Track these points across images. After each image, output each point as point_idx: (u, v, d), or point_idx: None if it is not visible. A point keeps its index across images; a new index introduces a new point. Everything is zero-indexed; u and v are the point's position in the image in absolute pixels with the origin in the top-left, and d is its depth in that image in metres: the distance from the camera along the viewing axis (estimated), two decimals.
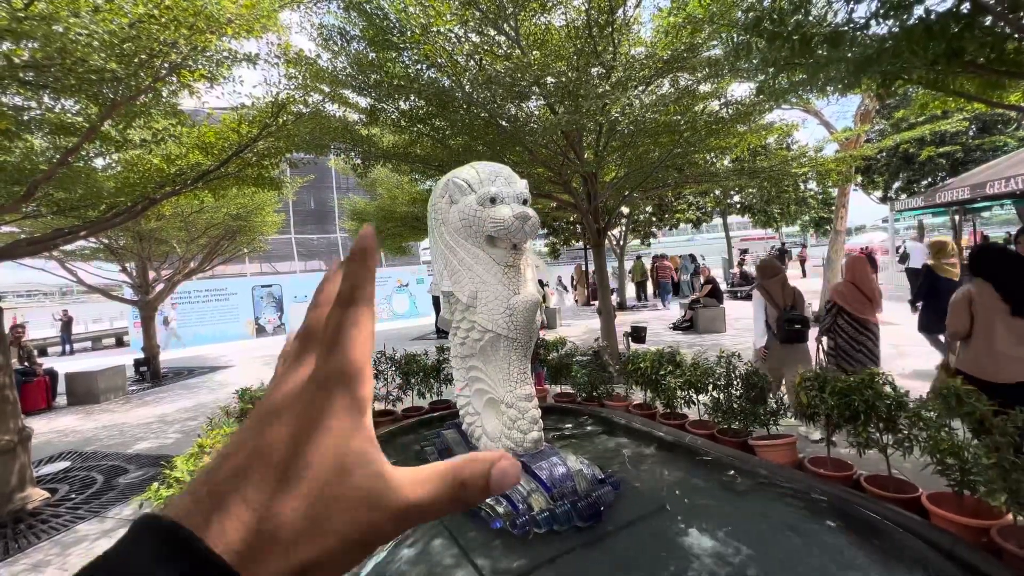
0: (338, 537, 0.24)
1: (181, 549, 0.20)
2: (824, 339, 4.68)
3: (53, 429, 7.04)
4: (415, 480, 0.27)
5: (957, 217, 16.26)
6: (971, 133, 18.38)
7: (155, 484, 2.35)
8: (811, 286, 17.58)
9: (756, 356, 4.85)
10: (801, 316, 4.61)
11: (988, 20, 2.33)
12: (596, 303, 12.09)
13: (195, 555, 0.20)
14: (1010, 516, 2.49)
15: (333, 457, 0.25)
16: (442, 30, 5.28)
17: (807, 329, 4.67)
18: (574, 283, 19.39)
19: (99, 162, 6.13)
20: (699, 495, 3.33)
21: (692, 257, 19.52)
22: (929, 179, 18.91)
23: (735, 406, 3.91)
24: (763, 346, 4.74)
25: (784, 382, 4.50)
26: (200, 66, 4.15)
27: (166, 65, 3.84)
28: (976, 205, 15.38)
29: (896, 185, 20.18)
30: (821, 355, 4.68)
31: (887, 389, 3.07)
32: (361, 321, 0.28)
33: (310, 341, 0.31)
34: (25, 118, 4.27)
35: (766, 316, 4.75)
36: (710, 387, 4.17)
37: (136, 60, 3.52)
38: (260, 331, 17.77)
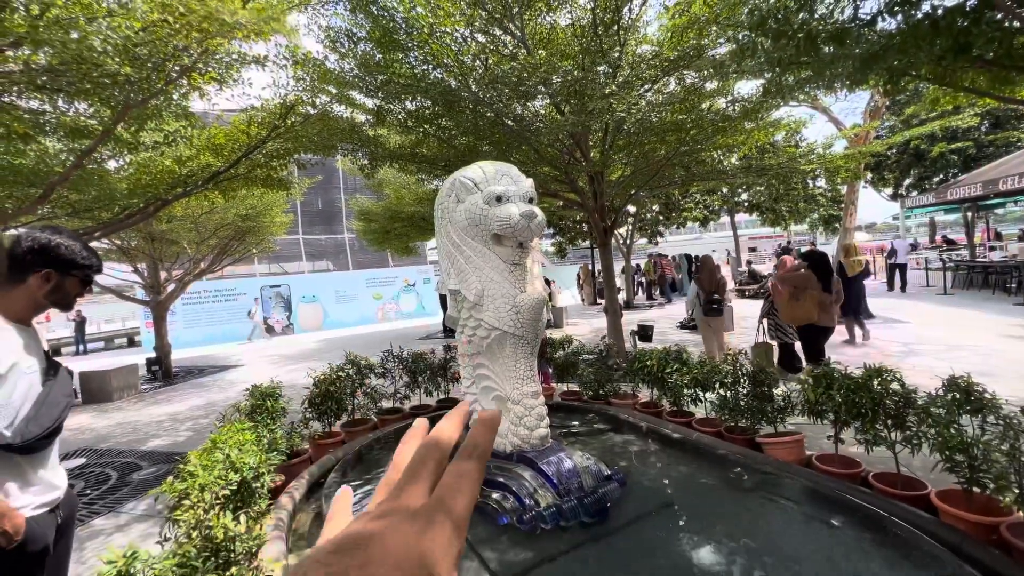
0: None
1: None
2: (765, 320, 6.38)
3: (68, 426, 7.15)
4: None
5: (970, 214, 16.09)
6: (983, 129, 18.12)
7: (170, 478, 2.40)
8: None
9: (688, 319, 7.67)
10: (718, 298, 6.59)
11: (996, 15, 2.32)
12: (603, 302, 12.08)
13: None
14: (1020, 513, 2.47)
15: None
16: (448, 30, 5.31)
17: (722, 307, 6.64)
18: (580, 282, 19.36)
19: (112, 164, 6.24)
20: (706, 492, 3.34)
21: (688, 257, 19.46)
22: (941, 176, 18.67)
23: (742, 403, 3.90)
24: (690, 314, 7.21)
25: (713, 341, 6.79)
26: (210, 69, 4.21)
27: (177, 68, 3.91)
28: (989, 202, 15.23)
29: (907, 182, 19.94)
30: (763, 333, 6.38)
31: (895, 386, 3.05)
32: (476, 476, 0.34)
33: (415, 478, 0.34)
34: (41, 121, 4.37)
35: (697, 296, 6.83)
36: (717, 385, 4.17)
37: (149, 64, 3.59)
38: (269, 331, 17.93)
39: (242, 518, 2.22)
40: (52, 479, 1.77)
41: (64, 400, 1.74)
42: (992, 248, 17.52)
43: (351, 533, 0.29)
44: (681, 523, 2.93)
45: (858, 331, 7.94)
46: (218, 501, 2.24)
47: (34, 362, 1.67)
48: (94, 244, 8.84)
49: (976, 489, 2.58)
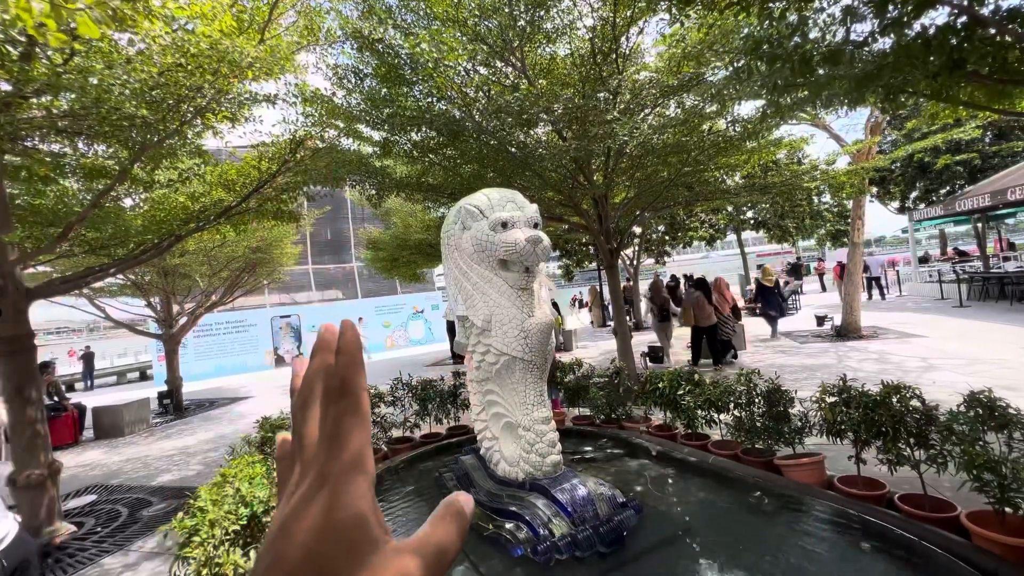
0: None
1: None
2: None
3: (80, 463, 7.16)
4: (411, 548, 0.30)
5: (980, 225, 15.93)
6: (987, 140, 18.12)
7: (179, 514, 2.38)
8: (831, 299, 17.23)
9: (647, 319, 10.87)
10: (665, 309, 9.64)
11: (988, 31, 2.35)
12: (611, 324, 12.06)
13: None
14: None
15: (354, 555, 0.28)
16: (452, 64, 5.48)
17: (669, 316, 9.66)
18: (588, 305, 19.31)
19: (127, 202, 6.41)
20: (724, 518, 3.24)
21: (672, 277, 19.56)
22: (947, 187, 18.58)
23: (758, 424, 3.82)
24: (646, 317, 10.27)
25: (665, 338, 9.67)
26: (223, 108, 4.37)
27: (192, 109, 4.05)
28: (999, 212, 15.09)
29: (913, 195, 19.86)
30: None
31: (915, 403, 2.98)
32: (355, 411, 0.31)
33: (302, 441, 0.32)
34: (61, 163, 4.53)
35: (652, 308, 10.11)
36: (731, 406, 4.09)
37: (164, 106, 3.73)
38: (279, 361, 17.98)
39: (252, 554, 2.19)
40: None
41: None
42: (1007, 258, 17.27)
43: (267, 542, 0.29)
44: (700, 551, 2.84)
45: (769, 328, 11.02)
46: (228, 537, 2.21)
47: None
48: (109, 279, 9.03)
49: (1008, 509, 2.48)
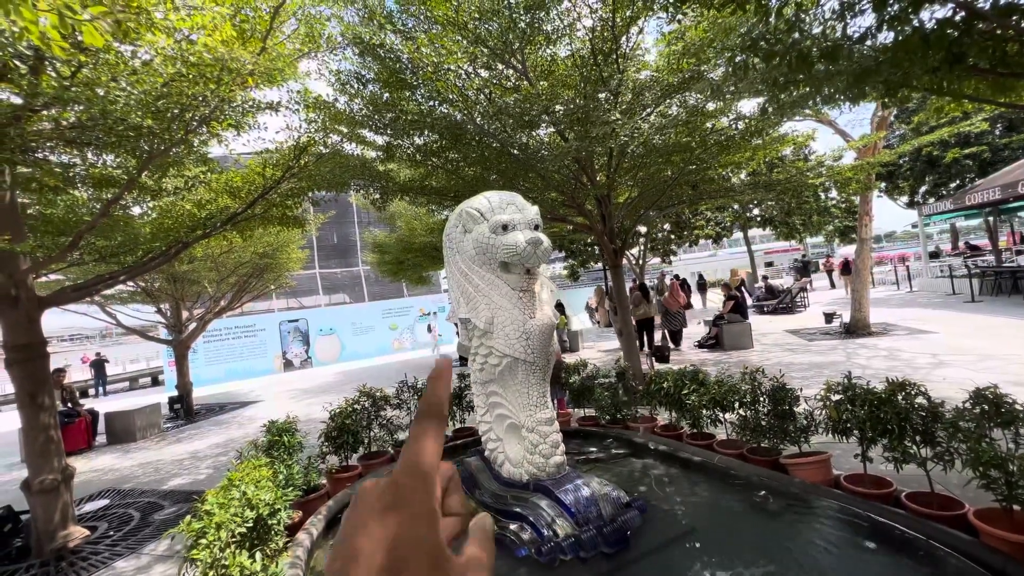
0: None
1: None
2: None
3: (93, 468, 7.27)
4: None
5: (992, 219, 15.71)
6: (997, 133, 17.87)
7: (188, 517, 2.42)
8: (840, 297, 17.05)
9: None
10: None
11: (987, 25, 2.33)
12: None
13: None
14: None
15: (421, 556, 0.31)
16: (452, 67, 5.51)
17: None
18: (592, 306, 19.29)
19: (136, 210, 6.50)
20: (730, 517, 3.23)
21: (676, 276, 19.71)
22: (957, 181, 18.35)
23: (763, 423, 3.80)
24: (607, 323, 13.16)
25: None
26: (227, 116, 4.43)
27: (196, 118, 4.11)
28: (1011, 205, 14.87)
29: (922, 189, 19.63)
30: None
31: (920, 400, 2.95)
32: (428, 429, 0.36)
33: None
34: (71, 174, 4.61)
35: (612, 309, 10.73)
36: (736, 405, 4.07)
37: (169, 115, 3.79)
38: (287, 365, 18.12)
39: (258, 556, 2.22)
40: None
41: None
42: (1020, 252, 17.00)
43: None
44: (705, 551, 2.83)
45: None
46: (234, 539, 2.24)
47: None
48: (119, 287, 9.16)
49: (1016, 507, 2.45)
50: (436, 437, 0.36)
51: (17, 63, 2.93)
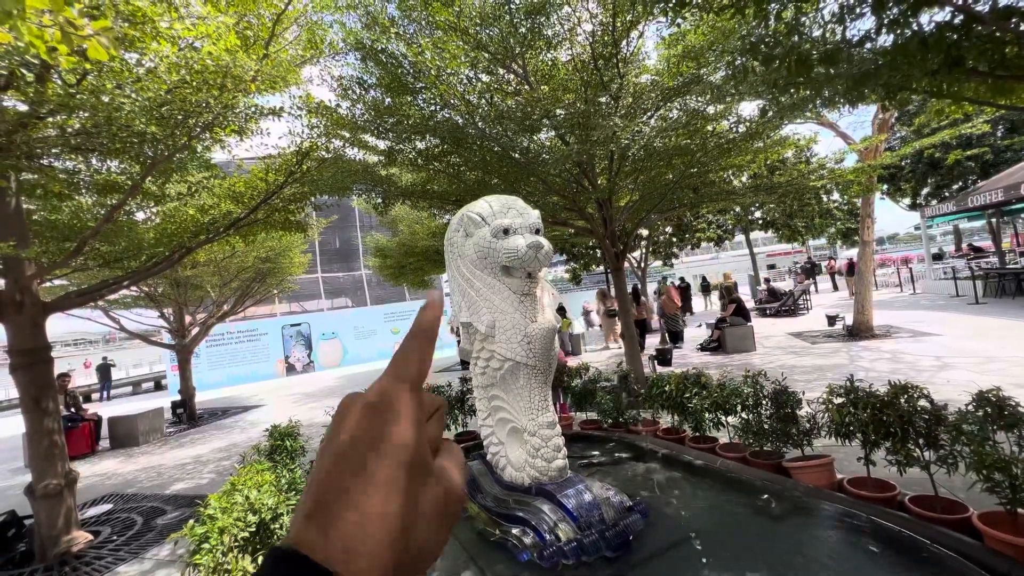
0: (425, 520, 0.32)
1: (297, 567, 0.27)
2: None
3: (96, 472, 7.29)
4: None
5: (994, 220, 15.67)
6: (999, 135, 17.84)
7: (190, 522, 2.43)
8: (843, 300, 17.00)
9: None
10: (614, 310, 12.23)
11: (987, 28, 2.34)
12: (619, 328, 12.29)
13: (309, 569, 0.27)
14: None
15: (405, 462, 0.32)
16: (454, 72, 5.54)
17: (615, 314, 11.63)
18: (589, 309, 19.31)
19: (139, 215, 6.55)
20: (732, 521, 3.21)
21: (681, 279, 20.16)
22: (960, 183, 18.31)
23: (765, 426, 3.79)
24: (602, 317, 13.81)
25: (610, 333, 13.64)
26: (230, 122, 4.46)
27: (200, 124, 4.15)
28: (1014, 207, 14.83)
29: (924, 191, 19.59)
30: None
31: (923, 403, 2.95)
32: (415, 346, 0.38)
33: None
34: (75, 180, 4.65)
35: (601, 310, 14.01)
36: (739, 408, 4.07)
37: (173, 121, 3.83)
38: (290, 369, 18.14)
39: (260, 560, 2.22)
40: None
41: None
42: (1023, 254, 16.93)
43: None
44: (708, 555, 2.82)
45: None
46: (237, 544, 2.25)
47: None
48: (123, 292, 9.21)
49: (1021, 510, 2.44)
50: (423, 354, 0.37)
51: (23, 71, 2.96)
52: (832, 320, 11.32)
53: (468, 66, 5.66)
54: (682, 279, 21.84)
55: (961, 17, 2.21)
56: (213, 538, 2.23)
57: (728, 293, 11.73)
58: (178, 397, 11.07)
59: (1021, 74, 2.34)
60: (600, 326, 19.16)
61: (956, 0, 2.19)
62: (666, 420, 4.98)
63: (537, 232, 3.31)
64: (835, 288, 21.92)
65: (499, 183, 6.53)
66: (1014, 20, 2.07)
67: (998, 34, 2.38)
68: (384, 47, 5.36)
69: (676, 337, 12.09)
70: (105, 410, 10.45)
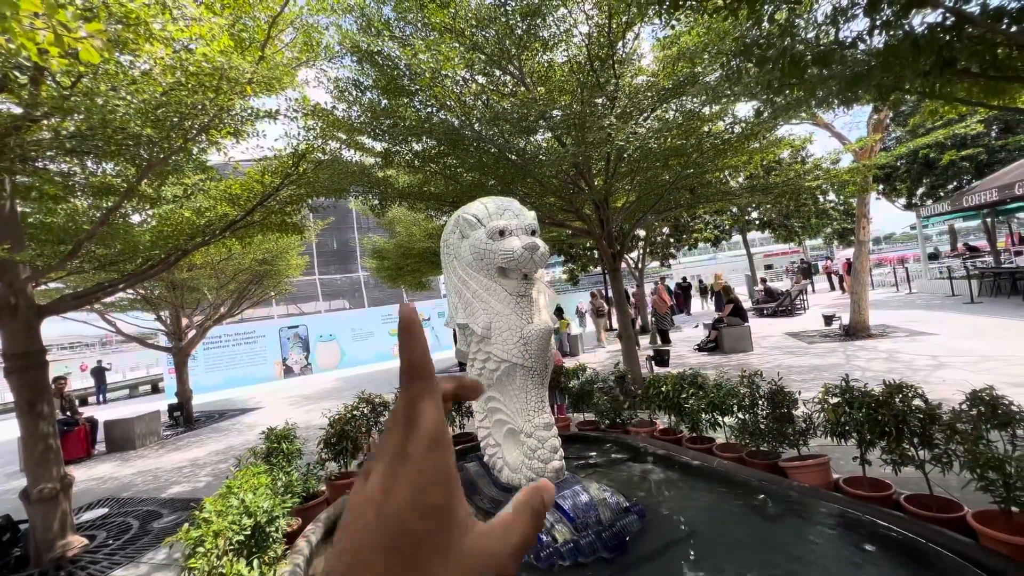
0: None
1: None
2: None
3: (92, 476, 7.25)
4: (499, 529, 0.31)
5: (989, 220, 15.74)
6: (993, 135, 17.94)
7: (185, 526, 2.42)
8: (839, 299, 17.05)
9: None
10: (602, 309, 15.24)
11: (978, 30, 2.35)
12: (617, 328, 12.30)
13: None
14: None
15: (442, 533, 0.28)
16: (450, 74, 5.55)
17: (604, 313, 15.33)
18: (583, 310, 19.36)
19: (135, 218, 6.53)
20: (729, 521, 3.22)
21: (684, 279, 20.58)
22: (955, 183, 18.40)
23: (762, 427, 3.80)
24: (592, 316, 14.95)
25: (600, 330, 15.07)
26: (226, 124, 4.45)
27: (195, 126, 4.14)
28: (1009, 207, 14.91)
29: (920, 191, 19.69)
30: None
31: (917, 402, 2.96)
32: (430, 392, 0.32)
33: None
34: (71, 183, 4.63)
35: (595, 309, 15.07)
36: (735, 408, 4.07)
37: (168, 124, 3.82)
38: (287, 372, 18.09)
39: (256, 564, 2.21)
40: None
41: None
42: (1018, 253, 17.01)
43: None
44: (705, 555, 2.82)
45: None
46: (232, 547, 2.24)
47: None
48: (119, 294, 9.17)
49: (1015, 509, 2.45)
50: (435, 401, 0.32)
51: (16, 74, 2.95)
52: (829, 320, 11.35)
53: (464, 68, 5.67)
54: (684, 279, 21.89)
55: (952, 19, 2.22)
56: (208, 541, 2.22)
57: (726, 293, 11.71)
58: (175, 400, 11.02)
59: (1013, 75, 2.36)
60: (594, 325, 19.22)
61: (947, 1, 2.21)
62: (663, 421, 4.98)
63: (533, 233, 3.31)
64: (831, 288, 21.99)
65: (495, 184, 6.53)
66: (1004, 21, 2.09)
67: (989, 35, 2.40)
68: (380, 49, 5.36)
69: (665, 336, 12.39)
70: (101, 413, 10.40)
